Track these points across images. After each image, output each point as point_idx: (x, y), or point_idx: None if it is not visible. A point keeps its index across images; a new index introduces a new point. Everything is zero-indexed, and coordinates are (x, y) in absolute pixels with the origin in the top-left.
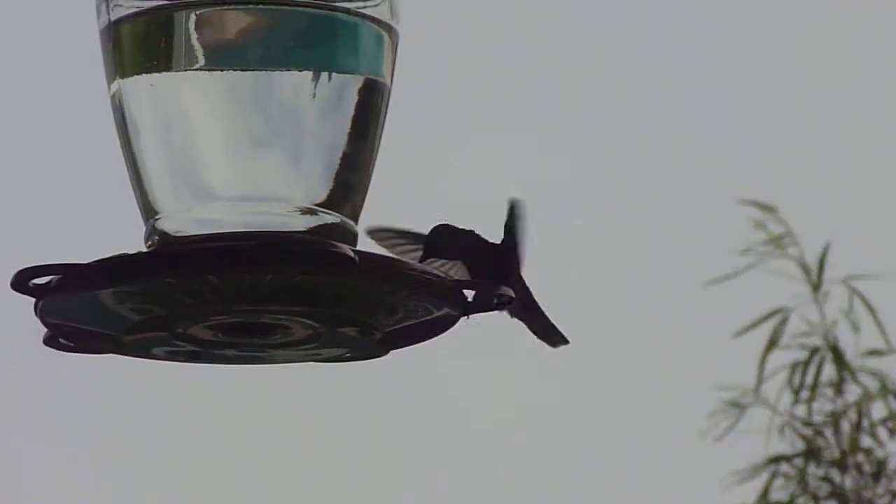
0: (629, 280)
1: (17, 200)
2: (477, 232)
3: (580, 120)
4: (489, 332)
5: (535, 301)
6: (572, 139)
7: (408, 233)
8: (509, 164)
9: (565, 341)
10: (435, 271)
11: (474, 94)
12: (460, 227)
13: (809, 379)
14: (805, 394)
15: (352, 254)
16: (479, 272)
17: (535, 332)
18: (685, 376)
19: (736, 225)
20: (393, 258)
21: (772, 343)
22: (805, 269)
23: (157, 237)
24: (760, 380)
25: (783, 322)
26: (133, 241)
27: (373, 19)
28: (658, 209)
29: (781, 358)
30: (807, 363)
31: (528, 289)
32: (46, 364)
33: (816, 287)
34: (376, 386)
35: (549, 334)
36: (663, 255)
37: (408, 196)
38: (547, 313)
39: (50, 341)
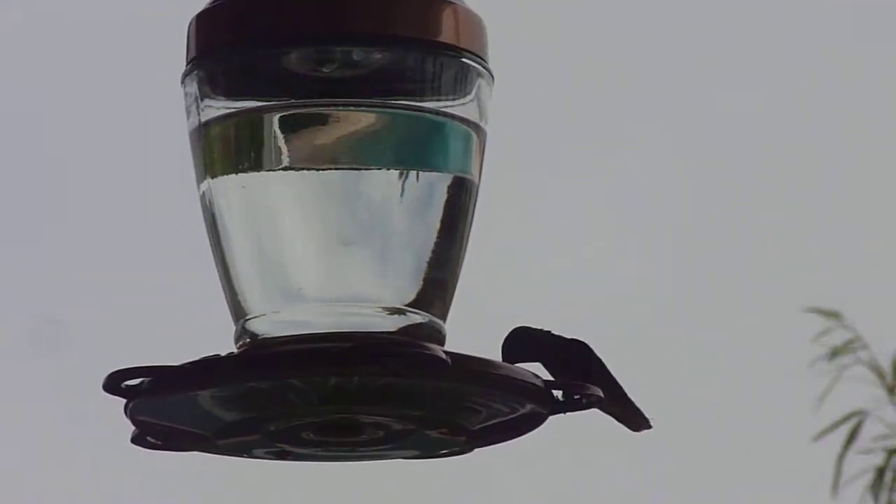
0: (700, 388)
1: (109, 300)
2: (553, 332)
3: (648, 226)
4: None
5: (619, 387)
6: (638, 243)
7: None
8: (584, 262)
9: (649, 425)
10: (523, 371)
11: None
12: (536, 327)
13: (888, 480)
14: (885, 496)
15: (443, 355)
16: (559, 372)
17: (619, 419)
18: (764, 477)
19: (802, 333)
20: (481, 358)
21: (849, 445)
22: (878, 372)
23: (247, 338)
24: (838, 483)
25: (860, 425)
26: (225, 341)
27: (461, 119)
28: (724, 317)
29: (859, 462)
30: (884, 466)
31: (611, 376)
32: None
33: (892, 389)
34: (464, 482)
35: (633, 419)
36: (733, 362)
37: (486, 292)
38: (631, 397)
39: (138, 440)
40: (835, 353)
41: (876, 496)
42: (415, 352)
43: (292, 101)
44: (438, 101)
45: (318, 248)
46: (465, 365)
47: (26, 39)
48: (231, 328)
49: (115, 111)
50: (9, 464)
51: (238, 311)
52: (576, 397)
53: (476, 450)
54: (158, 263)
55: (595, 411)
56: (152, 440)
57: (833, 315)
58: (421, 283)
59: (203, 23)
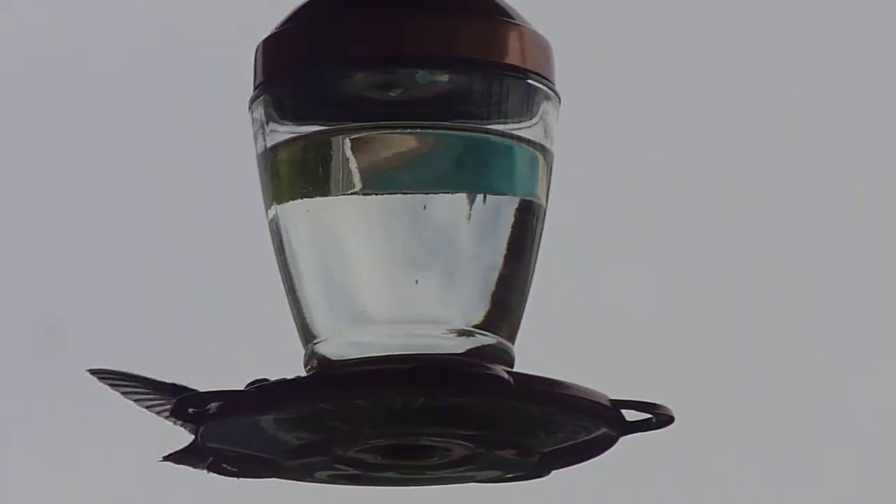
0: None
1: (178, 326)
2: None
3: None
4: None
5: None
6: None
7: (143, 378)
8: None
9: None
10: (591, 391)
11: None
12: None
13: None
14: None
15: (506, 375)
16: None
17: None
18: None
19: None
20: (546, 378)
21: None
22: None
23: (316, 361)
24: None
25: None
26: (293, 363)
27: (527, 141)
28: None
29: None
30: None
31: None
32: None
33: None
34: None
35: None
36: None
37: (556, 313)
38: None
39: (214, 467)
40: None
41: None
42: (476, 372)
43: (358, 124)
44: (504, 123)
45: (386, 271)
46: (529, 385)
47: (96, 58)
48: (300, 351)
49: (184, 134)
50: (9, 464)
51: (307, 334)
52: (647, 417)
53: (550, 473)
54: (229, 288)
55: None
56: (228, 468)
57: None
58: (489, 305)
59: (269, 48)
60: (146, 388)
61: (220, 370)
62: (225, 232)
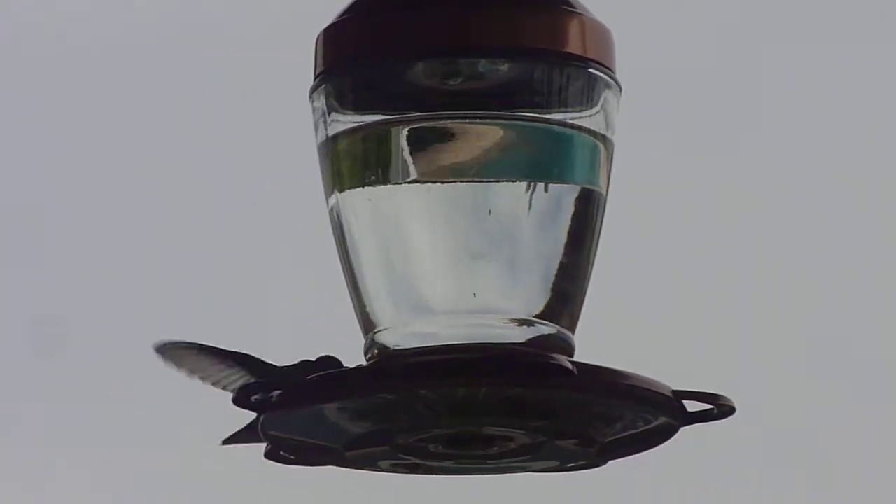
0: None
1: (237, 313)
2: None
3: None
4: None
5: None
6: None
7: (210, 348)
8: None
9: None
10: (653, 381)
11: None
12: None
13: None
14: None
15: (569, 365)
16: None
17: None
18: None
19: None
20: (609, 368)
21: None
22: None
23: (376, 350)
24: None
25: None
26: (352, 352)
27: (588, 130)
28: None
29: None
30: None
31: None
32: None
33: None
34: (595, 496)
35: None
36: None
37: (615, 303)
38: None
39: (271, 454)
40: None
41: None
42: (540, 361)
43: (419, 114)
44: (565, 112)
45: (447, 261)
46: (592, 374)
47: (151, 46)
48: (360, 340)
49: (244, 124)
50: (9, 463)
51: (367, 324)
52: (708, 408)
53: (607, 463)
54: (288, 277)
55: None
56: (285, 454)
57: None
58: (549, 294)
59: (330, 37)
60: (214, 361)
61: (280, 359)
62: (282, 220)
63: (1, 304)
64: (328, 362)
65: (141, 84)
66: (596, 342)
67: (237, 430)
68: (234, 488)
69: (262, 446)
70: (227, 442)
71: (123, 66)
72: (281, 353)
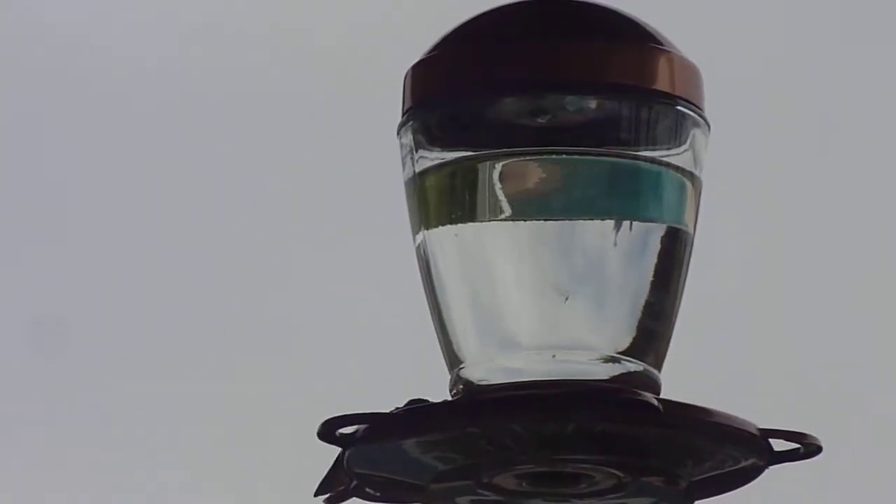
0: None
1: (321, 349)
2: None
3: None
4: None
5: None
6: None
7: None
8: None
9: None
10: (739, 420)
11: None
12: None
13: None
14: None
15: (656, 402)
16: None
17: None
18: None
19: None
20: (695, 406)
21: None
22: None
23: (461, 386)
24: None
25: None
26: (436, 388)
27: (676, 168)
28: None
29: None
30: None
31: None
32: None
33: None
34: None
35: None
36: None
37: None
38: None
39: (357, 491)
40: None
41: None
42: (625, 398)
43: (507, 150)
44: (653, 150)
45: (533, 297)
46: (678, 411)
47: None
48: (445, 376)
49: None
50: (8, 464)
51: (453, 359)
52: (795, 447)
53: (694, 503)
54: (374, 313)
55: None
56: (371, 491)
57: None
58: (635, 331)
59: (418, 74)
60: None
61: (362, 394)
62: (368, 255)
63: (1, 305)
64: (419, 404)
65: (180, 86)
66: (682, 380)
67: (323, 478)
68: (234, 488)
69: None
70: (319, 493)
71: (124, 65)
72: (367, 393)
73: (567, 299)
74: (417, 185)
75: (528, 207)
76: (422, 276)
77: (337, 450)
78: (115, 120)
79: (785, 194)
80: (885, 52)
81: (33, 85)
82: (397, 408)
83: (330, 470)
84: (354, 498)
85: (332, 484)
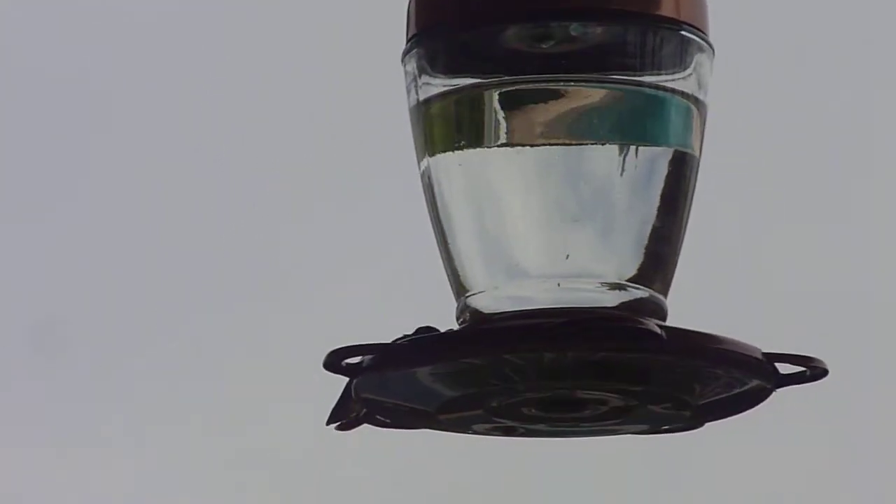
0: None
1: (325, 276)
2: None
3: None
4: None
5: None
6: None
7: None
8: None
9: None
10: (744, 345)
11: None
12: None
13: None
14: None
15: (658, 330)
16: None
17: None
18: None
19: None
20: (699, 332)
21: None
22: None
23: (468, 314)
24: None
25: None
26: (443, 316)
27: (681, 93)
28: None
29: None
30: None
31: None
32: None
33: None
34: (688, 459)
35: None
36: None
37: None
38: None
39: (367, 418)
40: None
41: None
42: (628, 326)
43: (511, 77)
44: (658, 75)
45: (539, 224)
46: (682, 339)
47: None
48: (452, 304)
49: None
50: (8, 464)
51: (459, 288)
52: (801, 370)
53: (703, 425)
54: (381, 239)
55: (820, 384)
56: (381, 418)
57: None
58: (642, 258)
59: (422, 1)
60: None
61: (372, 321)
62: (372, 182)
63: (1, 304)
64: (427, 332)
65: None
66: (690, 305)
67: (333, 407)
68: (235, 488)
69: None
70: (331, 421)
71: (123, 64)
72: (374, 321)
73: (576, 221)
74: (422, 112)
75: (532, 134)
76: (427, 204)
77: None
78: (114, 119)
79: (788, 123)
80: None
81: (33, 85)
82: (405, 335)
83: (339, 399)
84: (365, 424)
85: (342, 412)
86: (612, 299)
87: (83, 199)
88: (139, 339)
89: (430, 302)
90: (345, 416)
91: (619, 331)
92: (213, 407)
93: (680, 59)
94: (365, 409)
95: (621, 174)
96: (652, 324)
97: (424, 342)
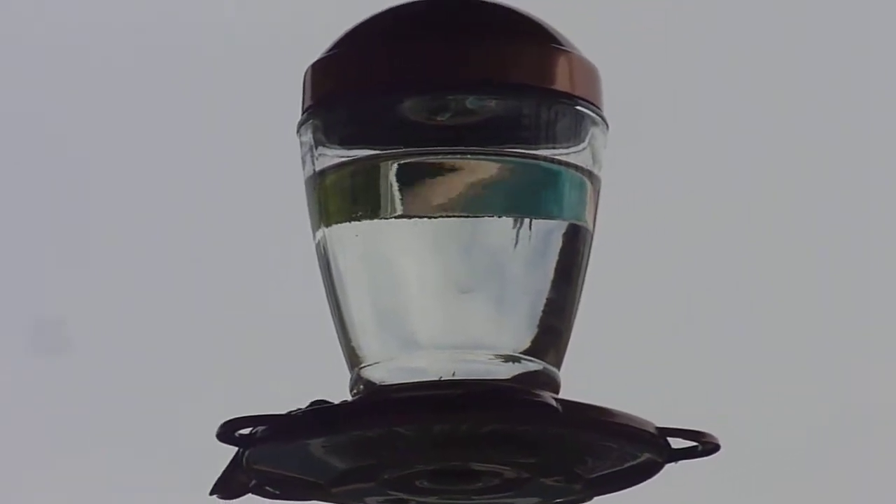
0: None
1: (220, 349)
2: None
3: None
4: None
5: None
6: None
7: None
8: None
9: None
10: (637, 419)
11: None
12: None
13: None
14: None
15: (553, 402)
16: None
17: None
18: None
19: None
20: (593, 405)
21: None
22: None
23: (362, 385)
24: None
25: None
26: (336, 388)
27: (576, 167)
28: None
29: None
30: None
31: None
32: None
33: None
34: None
35: None
36: None
37: (600, 339)
38: None
39: (256, 489)
40: None
41: None
42: (524, 398)
43: (407, 149)
44: (553, 149)
45: (434, 296)
46: (576, 411)
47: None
48: (346, 376)
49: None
50: (8, 464)
51: (353, 359)
52: (693, 444)
53: (593, 499)
54: (274, 311)
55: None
56: (270, 489)
57: None
58: (535, 330)
59: (318, 72)
60: None
61: (264, 394)
62: (268, 253)
63: (1, 304)
64: (321, 405)
65: (156, 86)
66: (581, 378)
67: (219, 477)
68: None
69: None
70: (214, 492)
71: (123, 65)
72: (270, 392)
73: (466, 294)
74: (317, 183)
75: (428, 206)
76: (322, 274)
77: None
78: (113, 118)
79: (681, 195)
80: None
81: (33, 84)
82: (299, 409)
83: (227, 468)
84: (251, 495)
85: (228, 482)
86: (505, 371)
87: (83, 199)
88: (139, 339)
89: (326, 374)
90: (230, 486)
91: (515, 403)
92: (215, 410)
93: (574, 133)
94: (254, 481)
95: (515, 247)
96: (547, 396)
97: (317, 414)
